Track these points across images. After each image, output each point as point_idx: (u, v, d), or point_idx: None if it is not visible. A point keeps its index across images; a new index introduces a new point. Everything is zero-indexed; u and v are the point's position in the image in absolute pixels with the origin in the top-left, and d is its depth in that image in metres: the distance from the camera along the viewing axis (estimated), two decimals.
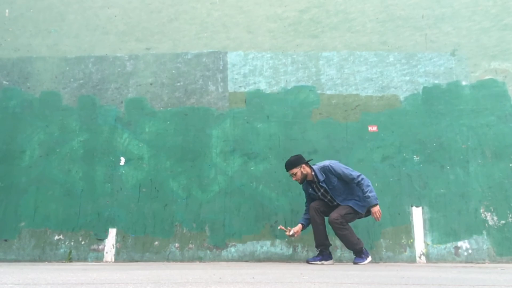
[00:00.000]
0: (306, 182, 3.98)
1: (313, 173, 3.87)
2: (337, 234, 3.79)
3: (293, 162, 3.88)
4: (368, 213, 3.82)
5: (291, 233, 3.92)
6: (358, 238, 3.83)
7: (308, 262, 3.88)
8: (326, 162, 3.89)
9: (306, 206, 4.07)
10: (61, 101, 4.89)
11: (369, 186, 3.72)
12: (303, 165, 3.88)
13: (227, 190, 4.53)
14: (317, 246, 3.92)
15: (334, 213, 3.76)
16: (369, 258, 3.86)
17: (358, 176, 3.74)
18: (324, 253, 3.87)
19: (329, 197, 3.90)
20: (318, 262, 3.84)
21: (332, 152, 4.55)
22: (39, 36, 5.14)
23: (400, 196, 4.40)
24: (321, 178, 3.81)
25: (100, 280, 2.02)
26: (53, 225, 4.48)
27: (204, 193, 4.54)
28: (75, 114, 4.84)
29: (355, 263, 3.82)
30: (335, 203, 3.88)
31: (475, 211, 4.32)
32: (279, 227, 4.04)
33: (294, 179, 3.94)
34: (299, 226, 3.96)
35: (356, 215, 3.82)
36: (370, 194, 3.68)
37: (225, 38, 5.02)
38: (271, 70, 4.88)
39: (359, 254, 3.84)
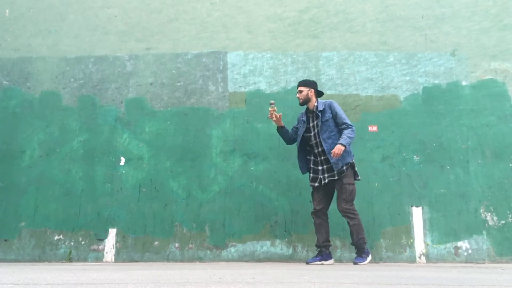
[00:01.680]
0: (303, 112, 4.09)
1: (315, 103, 3.97)
2: (348, 223, 3.80)
3: (307, 82, 4.04)
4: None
5: (273, 116, 3.94)
6: (364, 232, 3.83)
7: (307, 263, 3.88)
8: (330, 100, 4.03)
9: (292, 129, 4.16)
10: (61, 101, 4.89)
11: (352, 134, 3.77)
12: (312, 89, 4.00)
13: (227, 190, 4.53)
14: (317, 246, 3.92)
15: (340, 202, 3.79)
16: (370, 257, 3.86)
17: (350, 124, 3.83)
18: (323, 253, 3.88)
19: (316, 131, 3.91)
20: (318, 262, 3.84)
21: None
22: (39, 36, 5.14)
23: (400, 196, 4.40)
24: (320, 107, 3.91)
25: (100, 280, 2.02)
26: (53, 225, 4.48)
27: (204, 193, 4.54)
28: (75, 114, 4.84)
29: (355, 263, 3.81)
30: (318, 140, 3.89)
31: (475, 211, 4.32)
32: (271, 103, 3.97)
33: (297, 96, 4.04)
34: (281, 123, 4.04)
35: (354, 184, 3.83)
36: (347, 136, 3.73)
37: (225, 38, 5.02)
38: (271, 70, 4.88)
39: (360, 253, 3.84)
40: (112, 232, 4.45)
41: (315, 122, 3.95)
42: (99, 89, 4.92)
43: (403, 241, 4.29)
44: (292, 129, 4.19)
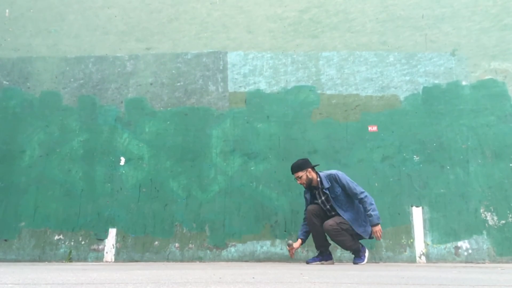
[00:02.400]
0: (308, 187, 3.93)
1: (318, 179, 3.84)
2: (333, 240, 3.78)
3: (300, 165, 3.84)
4: (370, 235, 3.79)
5: (293, 251, 3.87)
6: (353, 239, 3.78)
7: (307, 263, 3.88)
8: (333, 171, 3.86)
9: (304, 214, 3.98)
10: (61, 101, 4.89)
11: (372, 204, 3.67)
12: (309, 169, 3.84)
13: (227, 190, 4.53)
14: (317, 248, 3.92)
15: (330, 220, 3.74)
16: (367, 253, 3.85)
17: (362, 192, 3.70)
18: (324, 254, 3.87)
19: (328, 206, 3.84)
20: (318, 263, 3.83)
21: (332, 152, 4.56)
22: (39, 36, 5.14)
23: (400, 196, 4.40)
24: (326, 185, 3.77)
25: (100, 280, 2.02)
26: (53, 225, 4.48)
27: (204, 193, 4.54)
28: (75, 114, 4.84)
29: (355, 263, 3.82)
30: (333, 213, 3.83)
31: (475, 211, 4.32)
32: (289, 244, 3.90)
33: (299, 182, 3.89)
34: (299, 241, 3.90)
35: (351, 230, 3.74)
36: (373, 213, 3.64)
37: (225, 38, 5.02)
38: (271, 70, 4.88)
39: (357, 254, 3.84)
40: (112, 232, 4.45)
41: (323, 198, 3.84)
42: (99, 89, 4.92)
43: (403, 241, 4.29)
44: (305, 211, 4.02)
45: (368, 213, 3.65)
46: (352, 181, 3.77)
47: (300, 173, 3.83)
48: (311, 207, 3.88)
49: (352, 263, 3.92)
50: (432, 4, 4.97)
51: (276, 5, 5.11)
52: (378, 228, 3.65)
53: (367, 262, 3.86)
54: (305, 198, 4.03)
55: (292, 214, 4.42)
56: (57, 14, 5.21)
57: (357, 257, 3.83)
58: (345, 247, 3.81)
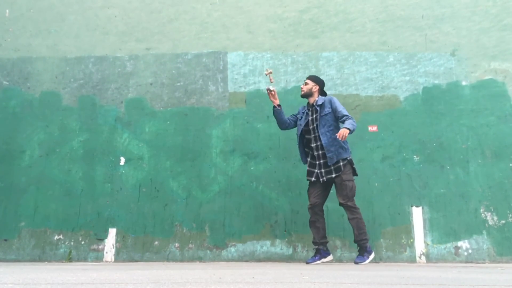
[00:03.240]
0: (306, 105, 4.10)
1: (316, 99, 3.99)
2: (349, 218, 3.77)
3: (315, 78, 4.07)
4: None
5: (271, 86, 4.00)
6: (365, 228, 3.80)
7: (307, 263, 3.87)
8: (330, 96, 4.05)
9: (289, 116, 4.15)
10: (61, 101, 4.89)
11: (354, 122, 3.73)
12: (318, 86, 4.02)
13: (227, 190, 4.53)
14: (314, 243, 3.90)
15: (341, 198, 3.77)
16: (372, 255, 3.82)
17: (349, 115, 3.81)
18: (321, 251, 3.86)
19: (314, 125, 3.91)
20: (318, 262, 3.83)
21: None
22: (39, 36, 5.14)
23: (400, 196, 4.40)
24: (320, 102, 3.93)
25: (100, 280, 2.02)
26: (53, 225, 4.48)
27: (204, 193, 4.54)
28: (75, 114, 4.84)
29: (356, 262, 3.78)
30: (316, 134, 3.88)
31: (475, 211, 4.32)
32: (267, 72, 4.00)
33: (302, 87, 4.06)
34: (277, 101, 4.03)
35: (354, 180, 3.82)
36: (350, 122, 3.69)
37: (225, 38, 5.02)
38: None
39: (362, 251, 3.80)
40: (112, 232, 4.45)
41: (314, 116, 3.95)
42: (99, 89, 4.92)
43: (403, 241, 4.29)
44: (290, 116, 4.17)
45: (346, 121, 3.71)
46: (344, 108, 3.88)
47: (310, 82, 4.03)
48: (310, 201, 3.89)
49: (353, 263, 3.91)
50: (432, 4, 4.97)
51: (276, 5, 5.11)
52: (346, 130, 3.61)
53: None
54: (299, 111, 4.15)
55: (292, 214, 4.43)
56: (57, 14, 5.21)
57: (360, 255, 3.80)
58: (357, 231, 3.74)
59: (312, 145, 3.95)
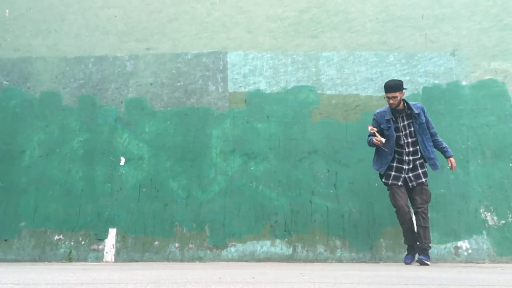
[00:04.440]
0: (385, 111, 3.95)
1: (405, 104, 3.91)
2: (420, 225, 3.74)
3: (398, 85, 3.81)
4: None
5: (381, 139, 3.83)
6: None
7: (422, 261, 3.70)
8: (420, 103, 4.02)
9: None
10: (61, 101, 4.89)
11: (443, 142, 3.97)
12: (403, 91, 3.88)
13: (227, 190, 4.53)
14: (406, 243, 3.92)
15: (420, 202, 3.78)
16: (429, 262, 3.73)
17: (436, 131, 3.98)
18: (415, 250, 3.86)
19: (407, 131, 3.89)
20: (428, 262, 3.72)
21: (332, 152, 4.56)
22: (39, 36, 5.14)
23: None
24: (416, 110, 3.87)
25: (100, 280, 2.02)
26: (53, 225, 4.48)
27: (204, 193, 4.54)
28: (75, 114, 4.84)
29: (420, 259, 3.68)
30: (409, 140, 3.86)
31: (475, 211, 4.32)
32: (372, 130, 3.88)
33: (391, 102, 3.84)
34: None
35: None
36: (447, 147, 3.96)
37: (225, 38, 5.02)
38: (271, 70, 4.88)
39: (426, 253, 3.74)
40: (112, 232, 4.45)
41: (405, 123, 3.91)
42: (99, 89, 4.92)
43: (403, 241, 4.29)
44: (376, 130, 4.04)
45: (444, 146, 3.95)
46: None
47: (397, 93, 3.81)
48: (403, 204, 3.80)
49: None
50: (432, 4, 4.97)
51: (276, 5, 5.11)
52: (453, 159, 3.94)
53: (366, 262, 3.85)
54: (380, 119, 3.95)
55: (292, 214, 4.42)
56: (57, 14, 5.21)
57: (424, 255, 3.72)
58: (425, 237, 3.72)
59: (405, 150, 3.89)
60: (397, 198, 3.82)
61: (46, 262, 4.26)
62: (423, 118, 3.89)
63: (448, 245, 4.25)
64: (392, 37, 4.90)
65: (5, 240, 4.46)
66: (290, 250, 4.33)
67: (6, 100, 4.92)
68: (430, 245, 3.80)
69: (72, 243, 4.42)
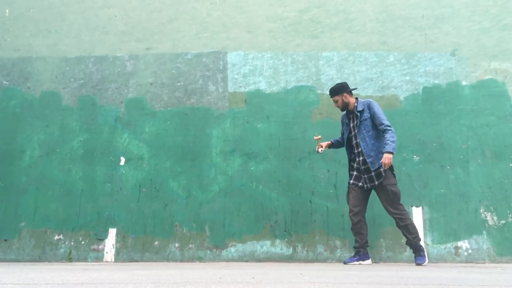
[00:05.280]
0: (346, 112, 4.04)
1: (355, 103, 3.93)
2: (398, 225, 3.73)
3: (336, 90, 3.96)
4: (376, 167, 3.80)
5: (320, 150, 3.99)
6: (417, 231, 3.75)
7: (345, 263, 3.80)
8: (370, 99, 3.97)
9: (340, 136, 4.16)
10: (61, 101, 4.89)
11: (394, 136, 3.70)
12: (345, 94, 3.92)
13: (227, 190, 4.53)
14: (355, 248, 3.84)
15: (385, 205, 3.74)
16: (426, 258, 3.72)
17: (389, 125, 3.76)
18: (361, 253, 3.81)
19: (356, 130, 3.88)
20: (355, 263, 3.77)
21: (332, 152, 4.55)
22: (39, 36, 5.14)
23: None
24: (359, 107, 3.87)
25: (100, 280, 2.02)
26: (53, 225, 4.48)
27: (204, 193, 4.54)
28: (75, 114, 4.84)
29: (418, 264, 3.68)
30: (358, 140, 3.84)
31: (475, 211, 4.32)
32: (316, 138, 4.03)
33: (335, 105, 4.01)
34: (328, 142, 4.08)
35: (396, 185, 3.77)
36: (390, 141, 3.66)
37: (225, 38, 5.02)
38: (271, 70, 4.88)
39: (418, 252, 3.72)
40: (112, 232, 4.45)
41: (355, 122, 3.91)
42: (99, 89, 4.92)
43: (403, 241, 4.29)
44: (341, 132, 4.16)
45: (386, 140, 3.68)
46: (382, 113, 3.84)
47: (336, 97, 3.96)
48: (351, 207, 3.83)
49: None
50: (432, 4, 4.97)
51: (276, 5, 5.11)
52: (389, 156, 3.64)
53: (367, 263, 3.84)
54: (342, 121, 4.13)
55: (292, 214, 4.42)
56: (57, 14, 5.21)
57: (418, 256, 3.71)
58: (409, 235, 3.68)
59: (355, 151, 3.91)
60: (347, 199, 3.93)
61: (46, 262, 4.26)
62: (366, 114, 3.84)
63: (448, 245, 4.25)
64: (392, 37, 4.90)
65: (5, 240, 4.46)
66: (290, 250, 4.33)
67: (6, 100, 4.92)
68: (418, 238, 3.70)
69: (72, 243, 4.42)
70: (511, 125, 4.53)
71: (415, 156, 4.52)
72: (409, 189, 4.41)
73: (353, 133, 3.92)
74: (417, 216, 4.33)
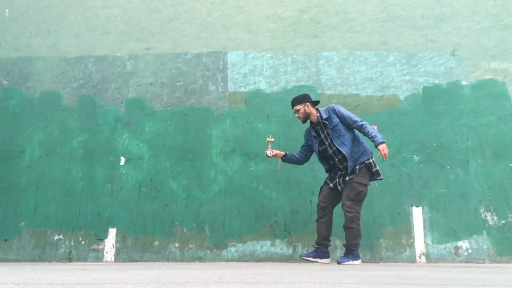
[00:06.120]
0: (310, 127, 3.95)
1: (318, 114, 3.83)
2: (345, 225, 3.69)
3: (299, 99, 3.86)
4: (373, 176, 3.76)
5: (268, 152, 3.90)
6: (360, 239, 3.72)
7: (301, 257, 3.86)
8: (330, 105, 3.90)
9: (300, 150, 4.04)
10: (61, 101, 4.89)
11: (373, 129, 3.67)
12: (308, 103, 3.84)
13: (227, 190, 4.53)
14: (316, 243, 3.85)
15: (346, 199, 3.68)
16: (358, 262, 3.69)
17: (361, 120, 3.71)
18: (319, 250, 3.81)
19: (329, 140, 3.78)
20: (310, 259, 3.79)
21: None
22: (39, 36, 5.14)
23: (400, 196, 4.40)
24: (324, 115, 3.78)
25: (100, 280, 2.02)
26: (53, 225, 4.48)
27: (204, 193, 4.54)
28: (75, 114, 4.84)
29: (338, 262, 3.70)
30: (334, 148, 3.75)
31: (475, 211, 4.32)
32: (268, 139, 3.93)
33: (296, 116, 3.90)
34: (281, 153, 3.95)
35: (366, 186, 3.71)
36: (376, 134, 3.63)
37: (225, 38, 5.02)
38: (271, 70, 4.88)
39: (347, 254, 3.72)
40: (112, 232, 4.45)
41: (325, 132, 3.81)
42: (99, 89, 4.92)
43: (403, 241, 4.29)
44: (301, 148, 4.06)
45: (371, 135, 3.63)
46: (351, 113, 3.79)
47: (298, 106, 3.84)
48: (321, 199, 3.84)
49: (337, 263, 3.82)
50: (432, 4, 4.97)
51: (276, 5, 5.11)
52: (383, 146, 3.61)
53: (366, 262, 3.84)
54: (305, 137, 4.04)
55: (292, 214, 4.42)
56: (57, 14, 5.21)
57: (344, 256, 3.72)
58: (350, 239, 3.67)
59: (336, 159, 3.81)
60: (320, 192, 3.92)
61: (46, 262, 4.26)
62: (335, 120, 3.75)
63: (448, 245, 4.25)
64: (392, 37, 4.90)
65: (5, 240, 4.46)
66: (290, 250, 4.33)
67: (6, 100, 4.92)
68: (355, 245, 3.67)
69: (72, 243, 4.42)
70: (511, 125, 4.53)
71: (415, 156, 4.52)
72: (409, 189, 4.41)
73: (326, 143, 3.81)
74: (417, 216, 4.33)
